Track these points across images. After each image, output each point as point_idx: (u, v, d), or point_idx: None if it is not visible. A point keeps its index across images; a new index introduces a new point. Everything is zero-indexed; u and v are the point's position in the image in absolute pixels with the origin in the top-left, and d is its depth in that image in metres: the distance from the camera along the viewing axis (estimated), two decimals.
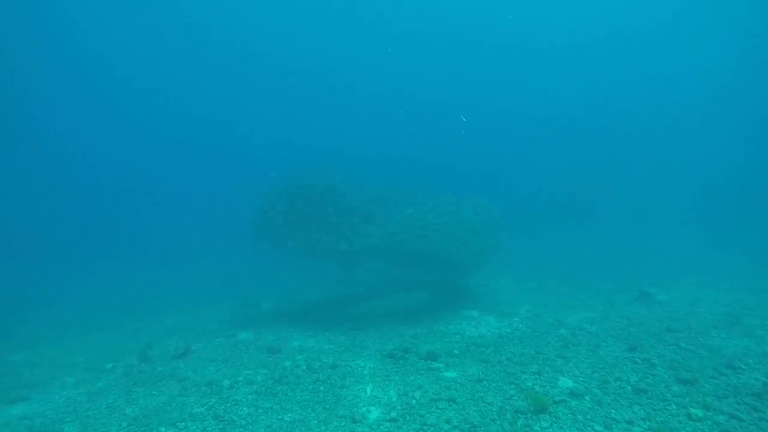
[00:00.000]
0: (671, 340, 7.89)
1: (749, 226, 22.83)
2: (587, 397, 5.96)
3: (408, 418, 5.72)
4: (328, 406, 6.26)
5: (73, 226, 44.61)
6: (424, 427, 5.43)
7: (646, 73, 41.46)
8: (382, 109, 46.82)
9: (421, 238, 10.53)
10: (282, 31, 39.36)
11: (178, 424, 5.96)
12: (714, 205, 29.22)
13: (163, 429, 5.83)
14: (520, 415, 5.61)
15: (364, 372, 7.46)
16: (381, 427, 5.55)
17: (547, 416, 5.50)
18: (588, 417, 5.42)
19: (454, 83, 45.01)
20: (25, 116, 36.27)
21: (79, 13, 30.00)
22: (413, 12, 38.94)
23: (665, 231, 24.42)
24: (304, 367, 7.89)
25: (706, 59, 37.95)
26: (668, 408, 5.52)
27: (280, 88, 45.53)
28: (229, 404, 6.53)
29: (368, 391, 6.68)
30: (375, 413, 5.95)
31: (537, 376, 6.79)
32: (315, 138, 47.81)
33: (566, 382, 6.52)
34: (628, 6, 36.17)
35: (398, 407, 6.07)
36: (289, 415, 6.07)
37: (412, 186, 12.95)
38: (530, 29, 40.19)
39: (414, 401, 6.21)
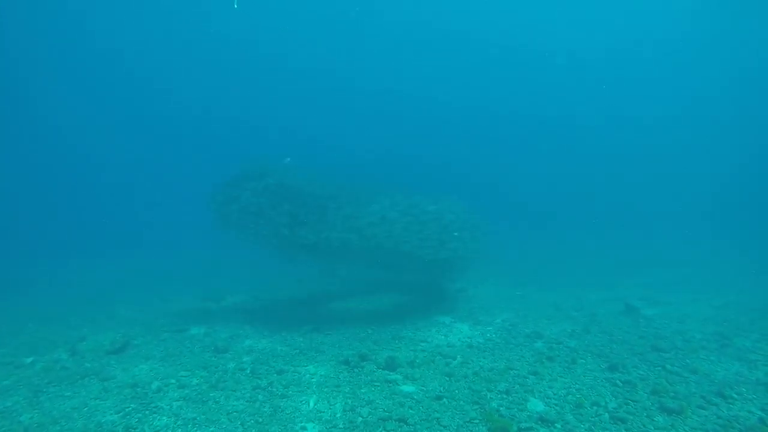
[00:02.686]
0: (657, 360, 7.14)
1: (751, 232, 22.01)
2: (558, 425, 5.18)
3: None
4: (260, 420, 5.42)
5: (69, 215, 43.00)
6: None
7: (648, 77, 40.93)
8: (381, 107, 45.88)
9: (370, 238, 9.73)
10: (285, 29, 38.68)
11: None
12: (716, 209, 28.32)
13: None
14: None
15: (313, 380, 6.62)
16: None
17: None
18: None
19: (453, 84, 44.27)
20: (21, 110, 35.16)
21: (81, 8, 29.02)
22: (416, 13, 38.30)
23: (663, 234, 23.61)
24: (248, 371, 7.04)
25: (711, 62, 37.48)
26: None
27: (283, 84, 44.70)
28: (147, 412, 5.66)
29: (311, 404, 5.85)
30: None
31: (504, 396, 6.00)
32: (317, 134, 46.80)
33: (536, 405, 5.73)
34: (634, 11, 35.69)
35: (340, 425, 5.25)
36: (211, 429, 5.21)
37: (379, 183, 12.00)
38: (532, 32, 39.56)
39: (360, 419, 5.39)
